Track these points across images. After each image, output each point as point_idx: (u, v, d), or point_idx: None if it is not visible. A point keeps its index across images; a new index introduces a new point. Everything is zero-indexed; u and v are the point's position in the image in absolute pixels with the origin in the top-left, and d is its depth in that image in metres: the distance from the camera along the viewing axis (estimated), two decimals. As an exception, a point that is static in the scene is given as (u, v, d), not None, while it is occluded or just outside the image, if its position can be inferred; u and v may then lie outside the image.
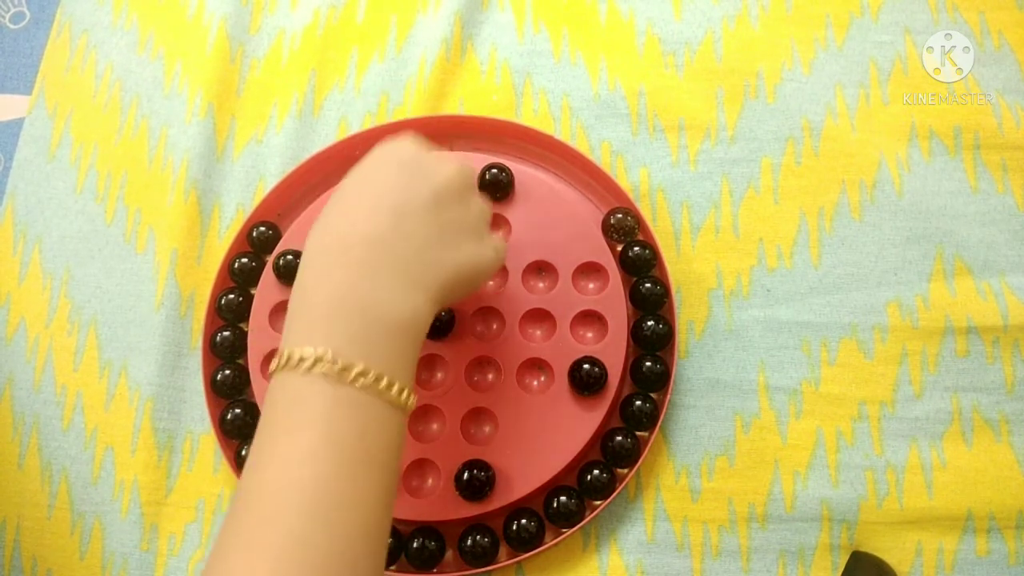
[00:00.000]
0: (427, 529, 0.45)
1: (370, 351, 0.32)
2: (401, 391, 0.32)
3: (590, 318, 0.49)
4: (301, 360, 0.31)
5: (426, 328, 0.35)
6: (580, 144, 0.54)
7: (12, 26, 0.61)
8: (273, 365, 0.33)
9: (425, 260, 0.35)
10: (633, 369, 0.48)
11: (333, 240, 0.34)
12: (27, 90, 0.59)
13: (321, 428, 0.30)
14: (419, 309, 0.34)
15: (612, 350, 0.47)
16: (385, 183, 0.35)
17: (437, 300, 0.35)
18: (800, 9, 0.57)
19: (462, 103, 0.56)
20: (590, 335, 0.49)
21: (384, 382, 0.32)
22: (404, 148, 0.37)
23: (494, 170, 0.50)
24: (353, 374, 0.31)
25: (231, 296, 0.50)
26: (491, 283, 0.50)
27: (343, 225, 0.35)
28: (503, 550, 0.46)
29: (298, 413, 0.31)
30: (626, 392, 0.48)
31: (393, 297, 0.33)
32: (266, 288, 0.50)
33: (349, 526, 0.30)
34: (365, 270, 0.33)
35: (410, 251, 0.34)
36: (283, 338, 0.33)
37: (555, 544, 0.45)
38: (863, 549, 0.46)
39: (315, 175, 0.54)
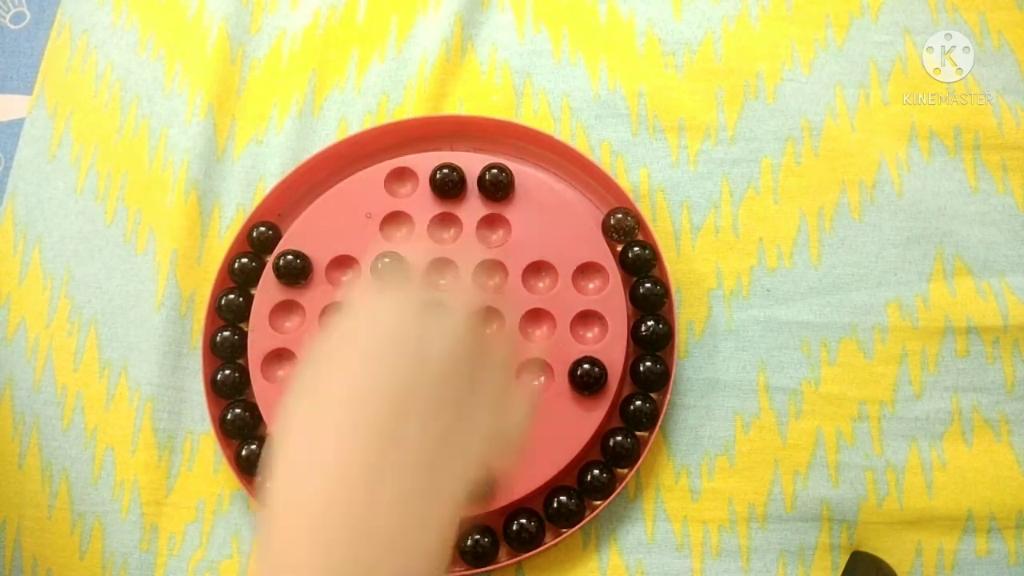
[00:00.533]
0: None
1: None
2: None
3: (590, 318, 0.49)
4: None
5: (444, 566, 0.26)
6: (580, 144, 0.54)
7: (12, 26, 0.61)
8: None
9: (433, 486, 0.26)
10: (633, 369, 0.48)
11: (306, 465, 0.25)
12: (27, 90, 0.59)
13: None
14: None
15: (612, 350, 0.47)
16: (367, 374, 0.26)
17: (450, 530, 0.27)
18: (800, 9, 0.57)
19: (462, 103, 0.56)
20: (590, 335, 0.49)
21: None
22: (389, 314, 0.27)
23: (494, 170, 0.50)
24: None
25: (231, 296, 0.50)
26: (491, 282, 0.50)
27: (318, 441, 0.26)
28: (503, 550, 0.46)
29: None
30: (626, 392, 0.48)
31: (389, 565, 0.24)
32: (266, 288, 0.50)
33: None
34: (352, 523, 0.24)
35: (411, 477, 0.25)
36: None
37: (555, 544, 0.45)
38: (863, 549, 0.46)
39: (315, 175, 0.54)
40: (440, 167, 0.51)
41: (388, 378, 0.26)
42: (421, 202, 0.51)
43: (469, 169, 0.51)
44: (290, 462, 0.26)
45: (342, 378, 0.27)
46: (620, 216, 0.50)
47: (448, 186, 0.50)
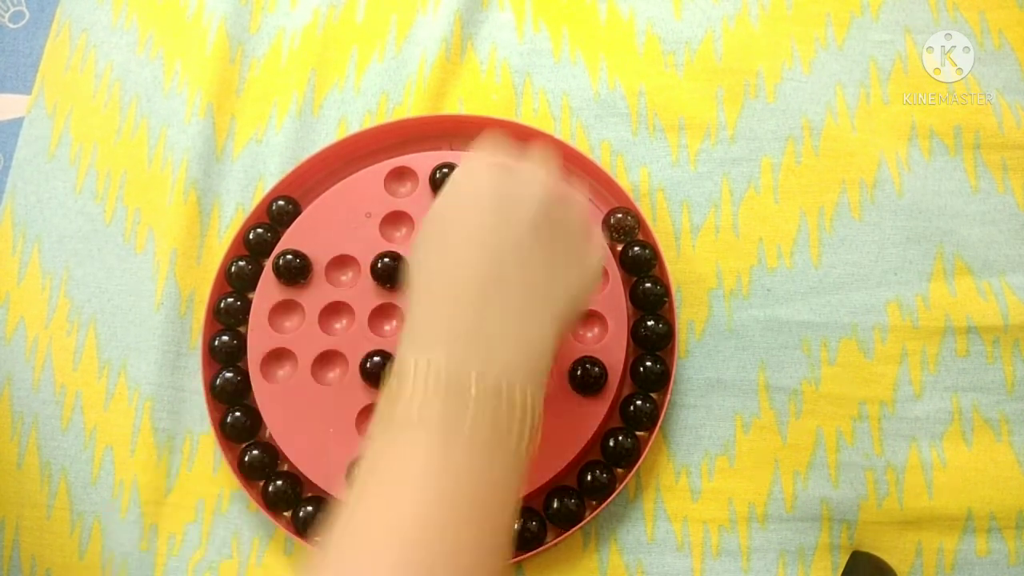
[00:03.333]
0: None
1: (486, 368, 0.30)
2: (525, 396, 0.31)
3: (590, 318, 0.48)
4: (418, 368, 0.30)
5: (550, 361, 0.34)
6: (580, 144, 0.54)
7: (11, 25, 0.60)
8: (383, 397, 0.31)
9: (539, 296, 0.33)
10: (633, 369, 0.48)
11: (439, 280, 0.33)
12: (27, 89, 0.58)
13: (428, 481, 0.28)
14: (541, 347, 0.33)
15: (612, 350, 0.47)
16: (476, 225, 0.34)
17: (557, 333, 0.34)
18: (800, 8, 0.57)
19: (462, 102, 0.56)
20: (590, 335, 0.49)
21: (505, 385, 0.30)
22: (485, 180, 0.35)
23: (494, 170, 0.50)
24: (467, 385, 0.30)
25: (241, 263, 0.50)
26: None
27: (446, 266, 0.34)
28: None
29: (404, 463, 0.29)
30: (626, 392, 0.48)
31: (507, 334, 0.32)
32: (265, 288, 0.50)
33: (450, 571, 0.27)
34: (477, 308, 0.32)
35: (519, 291, 0.33)
36: (396, 364, 0.32)
37: (555, 544, 0.45)
38: (863, 549, 0.46)
39: (315, 175, 0.54)
40: (440, 167, 0.51)
41: (491, 223, 0.34)
42: (421, 202, 0.51)
43: (469, 168, 0.51)
44: (437, 249, 0.34)
45: (462, 218, 0.34)
46: (620, 216, 0.50)
47: (448, 186, 0.50)
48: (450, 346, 0.31)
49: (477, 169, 0.36)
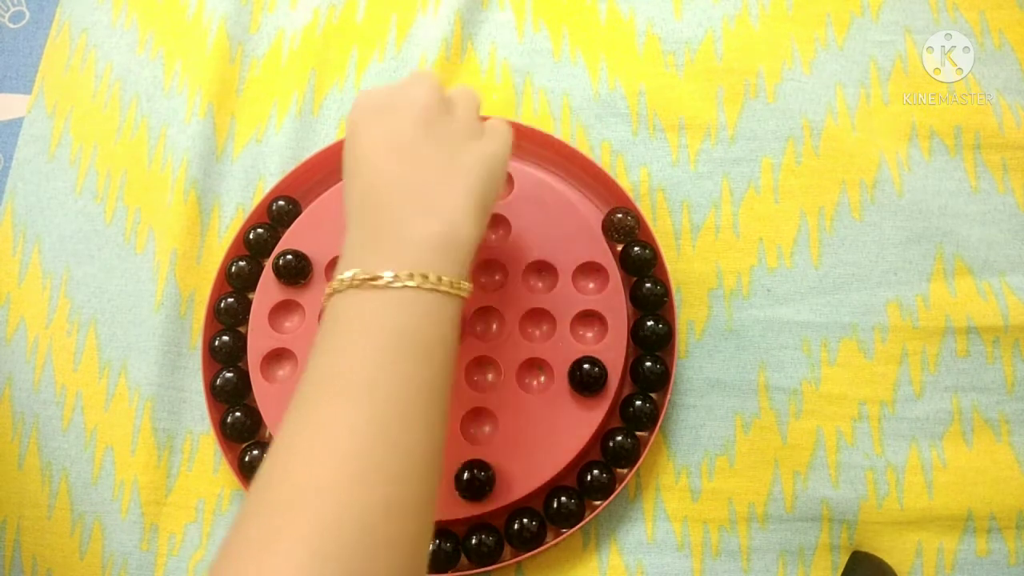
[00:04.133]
0: (441, 531, 0.45)
1: (400, 263, 0.34)
2: (440, 281, 0.34)
3: (590, 318, 0.48)
4: (340, 282, 0.34)
5: (468, 243, 0.36)
6: (580, 144, 0.54)
7: (11, 25, 0.60)
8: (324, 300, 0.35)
9: (441, 183, 0.36)
10: (633, 369, 0.48)
11: (355, 191, 0.37)
12: (27, 89, 0.58)
13: (358, 327, 0.33)
14: (446, 231, 0.35)
15: (612, 350, 0.47)
16: (367, 138, 0.38)
17: (471, 213, 0.36)
18: (800, 8, 0.57)
19: (462, 103, 0.56)
20: (590, 335, 0.49)
21: (417, 279, 0.33)
22: (372, 96, 0.39)
23: (494, 170, 0.50)
24: (383, 280, 0.33)
25: (230, 300, 0.50)
26: (497, 277, 0.50)
27: (361, 174, 0.37)
28: (505, 550, 0.46)
29: (338, 321, 0.34)
30: (626, 392, 0.48)
31: (416, 223, 0.35)
32: (265, 288, 0.50)
33: (395, 414, 0.31)
34: (387, 207, 0.35)
35: (422, 180, 0.36)
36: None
37: (555, 544, 0.45)
38: (863, 549, 0.46)
39: (315, 174, 0.54)
40: (440, 167, 0.51)
41: (384, 125, 0.38)
42: (421, 202, 0.51)
43: (469, 169, 0.51)
44: (347, 177, 0.38)
45: (361, 133, 0.38)
46: (620, 216, 0.50)
47: (448, 186, 0.50)
48: (362, 257, 0.34)
49: (366, 93, 0.40)
